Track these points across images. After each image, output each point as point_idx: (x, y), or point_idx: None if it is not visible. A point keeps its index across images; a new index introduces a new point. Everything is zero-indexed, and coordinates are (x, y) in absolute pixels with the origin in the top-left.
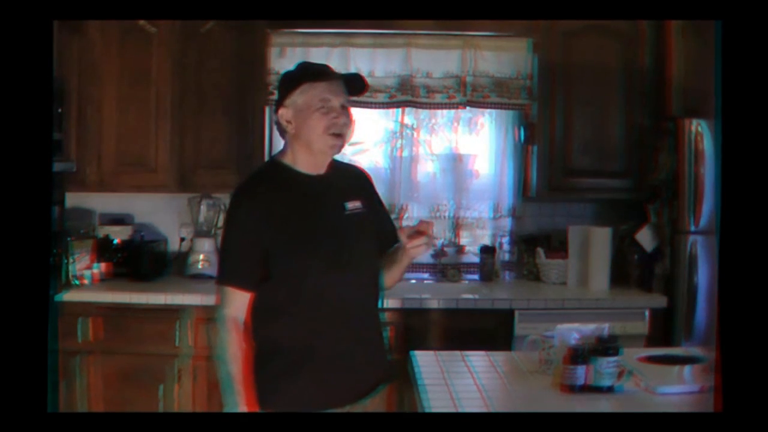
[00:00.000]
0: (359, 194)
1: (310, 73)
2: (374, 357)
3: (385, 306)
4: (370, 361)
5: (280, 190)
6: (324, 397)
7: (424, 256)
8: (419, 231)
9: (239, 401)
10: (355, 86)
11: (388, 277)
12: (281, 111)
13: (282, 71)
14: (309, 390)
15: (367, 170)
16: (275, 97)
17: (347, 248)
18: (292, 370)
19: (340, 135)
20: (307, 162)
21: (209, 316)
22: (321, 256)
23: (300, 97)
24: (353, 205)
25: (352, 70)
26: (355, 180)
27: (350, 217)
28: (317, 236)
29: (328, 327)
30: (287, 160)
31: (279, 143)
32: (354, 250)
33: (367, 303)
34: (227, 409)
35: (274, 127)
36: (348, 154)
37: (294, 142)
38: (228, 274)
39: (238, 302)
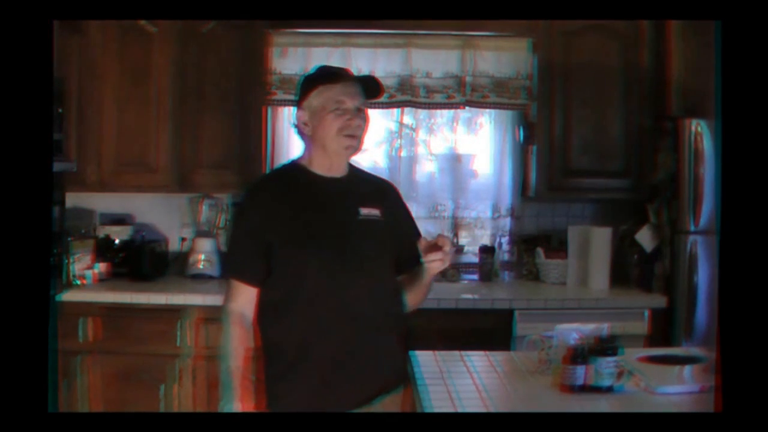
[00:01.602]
0: (379, 203)
1: (326, 76)
2: (379, 365)
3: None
4: (372, 369)
5: (291, 189)
6: (321, 400)
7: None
8: (437, 245)
9: (234, 396)
10: (371, 89)
11: (411, 296)
12: (298, 113)
13: (302, 75)
14: (306, 392)
15: (396, 185)
16: (277, 97)
17: (354, 252)
18: (290, 370)
19: (354, 136)
20: (323, 164)
21: (210, 316)
22: (322, 256)
23: (316, 99)
24: (369, 211)
25: (353, 70)
26: (377, 189)
27: (363, 223)
28: (321, 236)
29: (326, 329)
30: (304, 161)
31: (279, 143)
32: (362, 255)
33: (374, 309)
34: (221, 404)
35: (294, 129)
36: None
37: (311, 143)
38: (232, 266)
39: (244, 297)
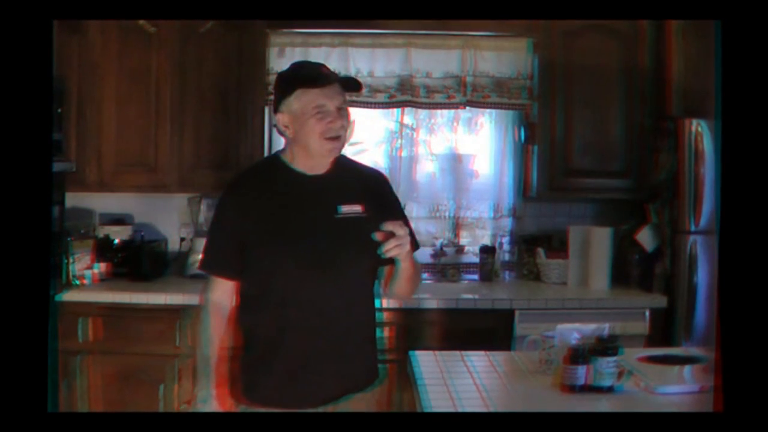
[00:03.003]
0: (362, 198)
1: (304, 79)
2: (346, 364)
3: (384, 306)
4: (339, 367)
5: (269, 186)
6: (288, 394)
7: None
8: (391, 233)
9: (210, 384)
10: (351, 84)
11: (401, 285)
12: (278, 116)
13: (277, 72)
14: (274, 384)
15: (387, 176)
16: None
17: (328, 250)
18: (261, 361)
19: (337, 138)
20: (305, 162)
21: None
22: (293, 254)
23: (295, 102)
24: (349, 208)
25: (352, 70)
26: (362, 183)
27: (341, 221)
28: (293, 234)
29: (295, 326)
30: (286, 157)
31: (279, 143)
32: (336, 255)
33: (344, 309)
34: (196, 391)
35: (274, 128)
36: (348, 155)
37: (293, 143)
38: (208, 260)
39: (221, 288)
